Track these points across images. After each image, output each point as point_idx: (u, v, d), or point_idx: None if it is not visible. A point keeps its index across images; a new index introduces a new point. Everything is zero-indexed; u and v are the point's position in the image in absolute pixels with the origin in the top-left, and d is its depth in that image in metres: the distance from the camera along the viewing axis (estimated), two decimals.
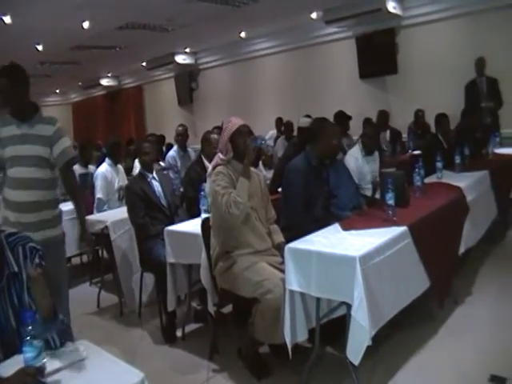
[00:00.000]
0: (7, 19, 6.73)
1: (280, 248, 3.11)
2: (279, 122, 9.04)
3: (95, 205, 5.31)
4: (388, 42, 8.38)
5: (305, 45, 9.66)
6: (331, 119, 3.95)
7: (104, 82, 14.23)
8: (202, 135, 4.87)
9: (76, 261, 6.00)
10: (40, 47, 8.89)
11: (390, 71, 8.50)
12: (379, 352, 3.11)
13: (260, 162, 5.57)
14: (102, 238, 4.51)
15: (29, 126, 3.00)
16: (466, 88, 7.10)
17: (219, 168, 3.16)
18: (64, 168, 3.11)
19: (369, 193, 4.76)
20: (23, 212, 2.98)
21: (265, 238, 3.21)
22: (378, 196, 3.91)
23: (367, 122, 5.97)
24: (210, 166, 3.40)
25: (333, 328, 2.96)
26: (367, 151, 4.91)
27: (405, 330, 3.38)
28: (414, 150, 6.96)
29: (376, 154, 4.95)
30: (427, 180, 4.43)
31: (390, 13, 7.75)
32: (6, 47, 8.19)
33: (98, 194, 5.29)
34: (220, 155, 3.21)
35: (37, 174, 2.98)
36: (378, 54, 8.42)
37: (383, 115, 7.62)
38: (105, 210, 5.23)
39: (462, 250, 3.90)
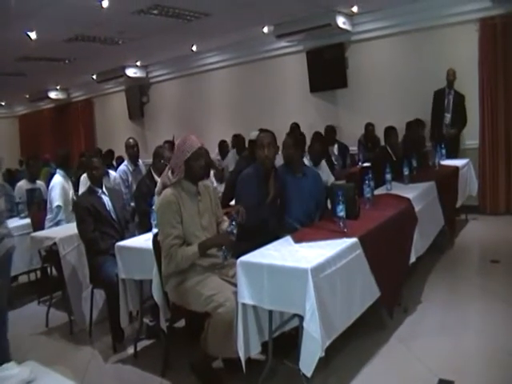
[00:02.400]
0: None
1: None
2: (235, 139, 8.98)
3: (52, 215, 5.20)
4: (338, 56, 8.57)
5: (256, 58, 9.76)
6: (282, 132, 3.99)
7: (52, 94, 13.92)
8: (154, 150, 4.85)
9: (23, 279, 5.82)
10: None
11: (339, 85, 8.67)
12: (332, 363, 3.15)
13: (211, 175, 5.58)
14: (51, 254, 4.42)
15: None
16: (434, 95, 7.31)
17: (168, 193, 3.10)
18: None
19: None
20: None
21: (215, 254, 3.17)
22: (328, 206, 3.97)
23: (316, 137, 6.05)
24: (158, 182, 3.39)
25: (286, 340, 2.98)
26: (314, 163, 4.98)
27: (356, 339, 3.43)
28: (363, 163, 7.12)
29: (323, 163, 5.03)
30: (377, 192, 4.54)
31: (339, 28, 7.94)
32: None
33: (57, 202, 5.19)
34: (169, 174, 3.17)
35: None
36: (328, 68, 8.59)
37: (330, 130, 7.75)
38: (61, 220, 5.14)
39: (412, 259, 4.01)
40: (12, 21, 6.55)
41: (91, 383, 3.36)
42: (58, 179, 5.36)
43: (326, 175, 5.14)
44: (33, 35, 7.33)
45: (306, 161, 4.97)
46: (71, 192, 5.37)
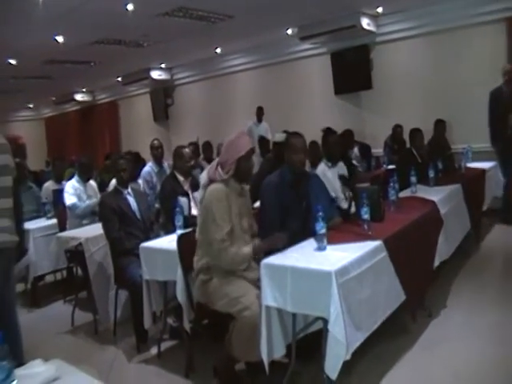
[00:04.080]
0: None
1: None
2: (260, 141, 8.96)
3: (70, 212, 5.28)
4: (362, 58, 8.52)
5: (280, 61, 9.76)
6: (307, 135, 3.96)
7: (78, 97, 14.12)
8: (174, 150, 4.86)
9: (50, 278, 5.91)
10: (13, 61, 8.81)
11: (364, 87, 8.62)
12: (355, 367, 3.12)
13: None
14: (77, 254, 4.47)
15: None
16: (491, 95, 6.64)
17: (219, 188, 3.05)
18: None
19: (342, 204, 4.77)
20: None
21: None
22: (353, 209, 3.94)
23: (327, 131, 5.92)
24: (204, 174, 3.35)
25: (310, 343, 2.97)
26: (332, 162, 4.92)
27: (380, 343, 3.40)
28: (388, 165, 7.05)
29: (341, 163, 4.96)
30: (402, 194, 4.50)
31: (364, 29, 7.89)
32: None
33: (71, 200, 5.27)
34: (220, 170, 3.09)
35: None
36: (353, 70, 8.55)
37: (348, 134, 7.67)
38: (79, 216, 5.24)
39: (436, 263, 3.96)
40: (40, 25, 6.67)
41: (115, 382, 3.40)
42: (71, 182, 5.49)
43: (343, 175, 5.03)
44: (60, 39, 7.47)
45: (323, 162, 4.91)
46: (84, 197, 5.43)
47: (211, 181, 3.11)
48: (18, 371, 1.73)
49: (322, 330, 2.67)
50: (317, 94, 9.37)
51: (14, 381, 1.61)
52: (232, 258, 2.98)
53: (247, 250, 3.02)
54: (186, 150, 4.80)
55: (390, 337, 3.52)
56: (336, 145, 4.83)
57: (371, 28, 8.04)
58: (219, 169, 3.09)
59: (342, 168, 4.85)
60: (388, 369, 3.16)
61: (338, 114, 8.89)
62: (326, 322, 2.56)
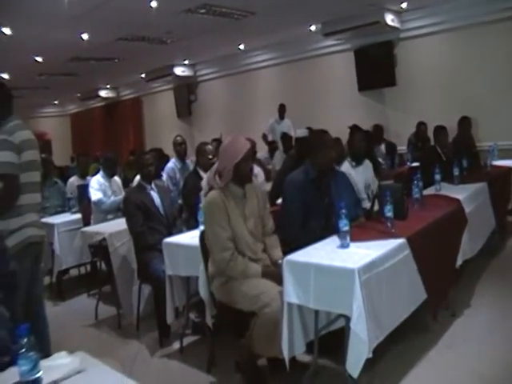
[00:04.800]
0: (7, 31, 6.77)
1: (277, 265, 3.06)
2: (283, 137, 8.96)
3: (94, 207, 5.34)
4: (386, 54, 8.44)
5: (303, 57, 9.72)
6: (329, 131, 3.94)
7: (102, 93, 14.26)
8: (197, 146, 4.88)
9: (74, 272, 5.99)
10: (39, 59, 8.92)
11: (388, 83, 8.54)
12: (377, 365, 3.10)
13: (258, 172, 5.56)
14: (100, 249, 4.52)
15: None
16: None
17: (215, 195, 3.09)
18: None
19: (365, 205, 4.74)
20: None
21: (260, 259, 3.18)
22: (376, 208, 3.91)
23: (354, 128, 5.86)
24: (204, 181, 3.39)
25: (331, 340, 2.96)
26: (357, 161, 4.90)
27: (402, 342, 3.37)
28: (412, 163, 6.98)
29: (366, 162, 4.92)
30: (426, 192, 4.45)
31: (388, 25, 7.81)
32: (6, 59, 8.26)
33: (97, 196, 5.32)
34: (217, 179, 3.11)
35: None
36: (377, 67, 8.47)
37: (378, 129, 7.65)
38: (105, 211, 5.30)
39: (459, 261, 3.91)
40: (65, 23, 6.75)
41: (138, 376, 3.39)
42: (96, 177, 5.54)
43: (368, 175, 4.99)
44: (85, 36, 7.55)
45: (347, 161, 4.87)
46: (109, 193, 5.48)
47: (210, 188, 3.14)
48: (44, 362, 1.75)
49: (344, 327, 2.66)
50: (340, 91, 9.32)
51: (39, 372, 1.63)
52: (240, 274, 3.02)
53: (255, 270, 3.04)
54: (209, 146, 4.82)
55: (412, 335, 3.49)
56: (361, 143, 4.79)
57: (395, 24, 7.96)
58: (217, 178, 3.12)
59: (367, 166, 4.81)
60: (410, 367, 3.13)
61: (362, 111, 8.83)
62: (348, 319, 2.55)
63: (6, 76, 9.69)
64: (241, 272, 3.02)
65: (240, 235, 3.09)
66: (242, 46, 9.83)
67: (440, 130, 5.77)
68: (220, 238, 3.01)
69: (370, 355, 2.49)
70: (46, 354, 2.05)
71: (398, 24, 8.04)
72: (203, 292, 3.31)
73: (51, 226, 5.25)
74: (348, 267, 2.57)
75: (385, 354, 3.20)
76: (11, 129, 3.08)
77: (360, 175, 4.69)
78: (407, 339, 3.43)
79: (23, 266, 3.04)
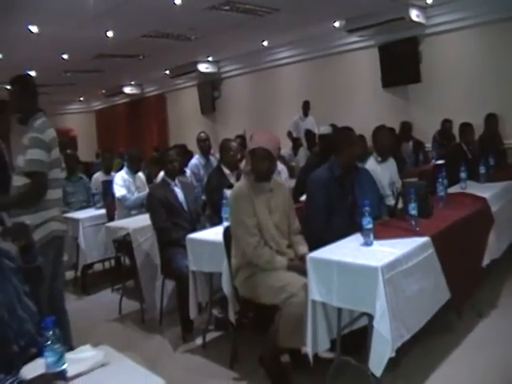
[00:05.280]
0: (34, 29, 6.88)
1: (303, 260, 3.08)
2: (308, 134, 8.93)
3: (118, 203, 5.39)
4: (411, 50, 8.32)
5: (327, 54, 9.65)
6: (353, 128, 3.91)
7: (127, 90, 14.38)
8: (220, 143, 4.89)
9: (98, 267, 6.06)
10: (65, 56, 9.04)
11: (413, 80, 8.43)
12: (401, 364, 3.08)
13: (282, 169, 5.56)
14: (124, 244, 4.56)
15: (24, 136, 3.16)
16: None
17: (241, 184, 3.23)
18: (28, 177, 3.12)
19: (389, 202, 4.69)
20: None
21: (285, 253, 3.21)
22: (400, 205, 3.88)
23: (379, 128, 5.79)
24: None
25: (354, 338, 2.94)
26: (382, 157, 4.84)
27: (426, 342, 3.33)
28: (437, 160, 6.89)
29: (391, 160, 4.87)
30: (451, 190, 4.39)
31: (413, 21, 7.70)
32: (33, 56, 8.38)
33: (121, 192, 5.36)
34: (244, 163, 3.26)
35: (14, 181, 3.15)
36: (401, 63, 8.36)
37: (406, 126, 7.57)
38: (129, 207, 5.34)
39: (486, 261, 3.85)
40: (91, 21, 6.82)
41: (161, 371, 3.40)
42: (120, 173, 5.57)
43: (392, 172, 4.93)
44: (110, 34, 7.63)
45: (373, 157, 4.82)
46: (133, 189, 5.52)
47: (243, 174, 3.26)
48: (69, 355, 1.78)
49: (367, 326, 2.65)
50: (364, 88, 9.23)
51: (64, 364, 1.65)
52: (265, 264, 3.08)
53: (280, 262, 3.09)
54: (233, 143, 4.82)
55: (437, 335, 3.45)
56: (387, 139, 4.75)
57: (420, 20, 7.84)
58: (244, 162, 3.24)
59: (392, 164, 4.76)
60: (434, 367, 3.10)
61: (386, 107, 8.74)
62: (371, 317, 2.54)
63: (33, 73, 9.82)
64: (267, 261, 3.06)
65: (265, 226, 3.14)
66: (265, 43, 9.82)
67: (466, 127, 5.69)
68: (246, 225, 3.08)
69: (393, 354, 2.47)
70: (68, 347, 2.08)
71: (423, 20, 7.92)
72: (226, 288, 3.32)
73: (76, 221, 5.32)
74: (371, 265, 2.56)
75: (408, 353, 3.17)
76: (41, 126, 3.15)
77: (385, 171, 4.63)
78: (432, 339, 3.39)
79: (47, 259, 3.10)
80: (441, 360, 3.18)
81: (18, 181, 3.15)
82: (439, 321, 3.32)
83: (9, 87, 3.20)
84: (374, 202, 3.26)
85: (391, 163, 4.81)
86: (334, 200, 3.48)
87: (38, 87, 3.31)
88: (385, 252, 2.74)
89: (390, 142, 4.88)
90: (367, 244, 2.90)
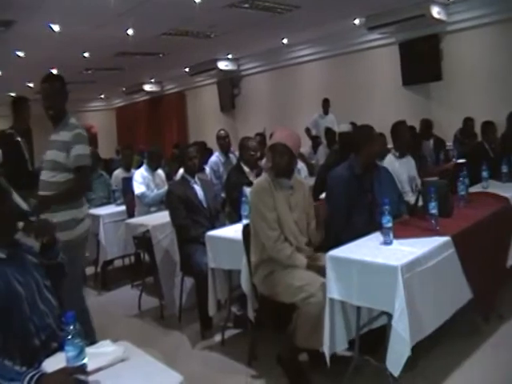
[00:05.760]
0: (56, 27, 6.95)
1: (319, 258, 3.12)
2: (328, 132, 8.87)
3: (138, 200, 5.42)
4: (432, 48, 8.25)
5: (347, 51, 9.61)
6: (373, 126, 3.89)
7: (147, 87, 14.47)
8: (240, 141, 4.89)
9: (118, 263, 6.11)
10: (86, 54, 9.15)
11: (433, 78, 8.35)
12: (419, 364, 3.05)
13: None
14: (144, 241, 4.59)
15: (56, 133, 3.22)
16: None
17: (262, 179, 3.26)
18: (74, 171, 3.19)
19: (409, 198, 4.65)
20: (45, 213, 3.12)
21: (304, 249, 3.22)
22: (420, 204, 3.84)
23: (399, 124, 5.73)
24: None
25: (373, 338, 2.93)
26: (400, 154, 4.75)
27: (446, 342, 3.31)
28: (458, 159, 6.81)
29: (409, 157, 4.82)
30: (472, 190, 4.34)
31: (434, 18, 7.62)
32: (55, 54, 8.47)
33: (140, 189, 5.39)
34: (264, 160, 3.29)
35: (46, 177, 3.17)
36: (422, 61, 8.29)
37: (426, 124, 7.49)
38: (148, 204, 5.36)
39: (510, 262, 3.79)
40: (111, 20, 6.89)
41: (179, 367, 3.43)
42: (140, 170, 5.60)
43: (411, 168, 4.88)
44: (130, 32, 7.68)
45: (391, 153, 4.78)
46: (152, 186, 5.55)
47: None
48: (89, 349, 1.81)
49: (386, 325, 2.63)
50: (384, 86, 9.16)
51: (85, 358, 1.68)
52: (279, 258, 3.09)
53: (300, 261, 3.09)
54: (252, 141, 4.83)
55: (457, 336, 3.41)
56: (405, 135, 4.71)
57: (441, 17, 7.75)
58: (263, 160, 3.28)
59: (410, 161, 4.72)
60: (454, 368, 3.07)
61: (406, 105, 8.66)
62: (390, 317, 2.53)
63: (54, 71, 9.94)
64: (287, 257, 3.07)
65: (285, 221, 3.15)
66: (285, 41, 9.80)
67: (488, 126, 5.61)
68: (267, 219, 3.09)
69: (410, 353, 2.45)
70: (91, 341, 2.11)
71: (445, 17, 7.83)
72: (245, 286, 3.33)
73: (97, 217, 5.37)
74: (391, 264, 2.55)
75: (428, 354, 3.15)
76: (78, 124, 3.25)
77: (403, 167, 4.60)
78: (452, 340, 3.36)
79: (84, 253, 3.18)
80: (461, 361, 3.15)
81: (46, 175, 3.19)
82: (461, 322, 3.30)
83: (44, 84, 3.23)
84: (393, 200, 3.24)
85: (409, 160, 4.78)
86: (353, 198, 3.47)
87: None
88: (404, 251, 2.73)
89: (409, 137, 4.83)
90: (387, 243, 2.88)
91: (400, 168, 4.53)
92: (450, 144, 7.69)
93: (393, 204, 2.97)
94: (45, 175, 3.20)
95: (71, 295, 3.14)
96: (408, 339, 2.43)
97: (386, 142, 5.27)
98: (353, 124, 6.33)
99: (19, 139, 4.76)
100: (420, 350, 2.56)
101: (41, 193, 3.20)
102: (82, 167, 3.18)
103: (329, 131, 8.22)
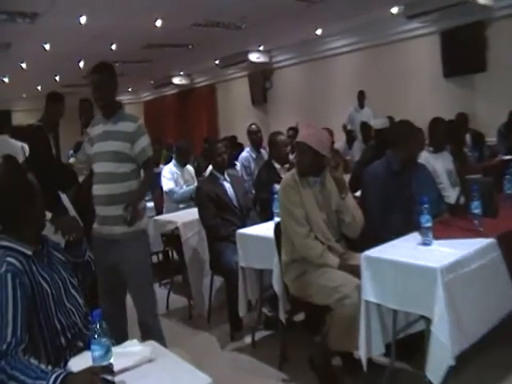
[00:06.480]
0: (83, 19, 7.05)
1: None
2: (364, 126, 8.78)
3: (166, 196, 5.47)
4: (476, 36, 8.04)
5: (384, 42, 9.47)
6: (413, 120, 3.83)
7: (176, 80, 14.55)
8: (269, 137, 4.88)
9: None
10: (114, 46, 9.22)
11: (478, 69, 8.15)
12: (462, 374, 2.99)
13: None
14: (173, 238, 4.63)
15: (112, 124, 3.21)
16: None
17: (289, 175, 3.29)
18: (143, 165, 3.25)
19: (448, 193, 4.56)
20: (100, 205, 3.18)
21: (334, 248, 3.20)
22: (462, 202, 3.78)
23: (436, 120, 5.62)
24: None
25: (411, 343, 2.90)
26: (435, 148, 4.68)
27: (490, 353, 3.21)
28: (504, 155, 6.65)
29: (445, 152, 4.74)
30: None
31: (479, 4, 7.41)
32: (82, 47, 8.61)
33: (169, 185, 5.43)
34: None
35: (112, 168, 3.13)
36: (465, 51, 8.09)
37: (462, 118, 7.32)
38: (176, 201, 5.40)
39: None
40: (139, 11, 6.94)
41: (208, 369, 3.45)
42: (168, 166, 5.63)
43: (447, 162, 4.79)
44: (158, 23, 7.72)
45: (425, 152, 4.70)
46: (182, 182, 5.57)
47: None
48: (116, 349, 1.83)
49: (424, 330, 2.60)
50: (423, 78, 9.00)
51: (111, 358, 1.70)
52: (310, 255, 3.09)
53: (332, 260, 3.08)
54: (281, 136, 4.82)
55: (504, 346, 3.31)
56: (443, 133, 4.64)
57: (487, 2, 7.53)
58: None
59: (446, 155, 4.65)
60: (500, 379, 3.01)
61: (447, 98, 8.48)
62: (429, 321, 2.50)
63: (81, 64, 10.09)
64: (318, 255, 3.06)
65: (313, 217, 3.15)
66: (319, 31, 9.73)
67: None
68: (294, 214, 3.11)
69: (453, 363, 2.40)
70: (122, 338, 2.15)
71: (491, 2, 7.60)
72: (277, 286, 3.32)
73: None
74: (430, 266, 2.51)
75: (473, 362, 3.07)
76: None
77: (439, 161, 4.52)
78: (500, 349, 3.27)
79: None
80: (507, 373, 3.07)
81: (110, 166, 3.14)
82: (508, 330, 3.22)
83: (93, 75, 3.28)
84: (432, 199, 3.18)
85: (445, 154, 4.70)
86: (390, 196, 3.44)
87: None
88: (444, 252, 2.68)
89: (446, 134, 4.75)
90: (425, 243, 2.84)
91: (436, 163, 4.45)
92: (493, 139, 7.51)
93: (432, 203, 2.92)
94: (108, 167, 3.14)
95: (143, 289, 3.25)
96: (449, 346, 2.38)
97: (425, 138, 5.19)
98: (390, 118, 6.25)
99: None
100: (462, 358, 2.51)
101: (101, 186, 3.17)
102: (150, 158, 3.26)
103: (364, 125, 8.14)
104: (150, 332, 3.17)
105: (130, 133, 3.15)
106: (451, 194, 4.21)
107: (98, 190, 3.18)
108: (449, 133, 4.88)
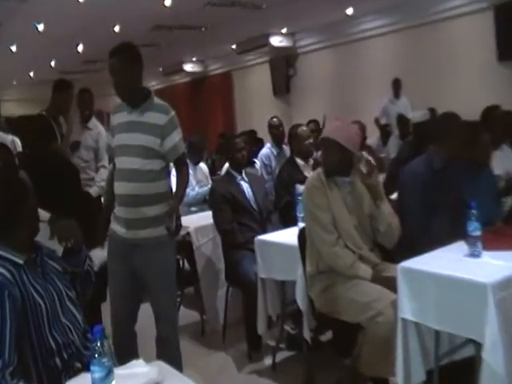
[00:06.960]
0: None
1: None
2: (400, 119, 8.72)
3: None
4: None
5: (423, 22, 9.35)
6: (460, 113, 3.78)
7: (188, 67, 14.58)
8: (288, 131, 4.86)
9: None
10: (117, 28, 9.19)
11: None
12: None
13: None
14: (184, 245, 4.61)
15: (139, 113, 3.12)
16: None
17: (314, 175, 3.29)
18: (176, 162, 3.26)
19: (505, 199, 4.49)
20: (122, 206, 3.14)
21: (367, 257, 3.17)
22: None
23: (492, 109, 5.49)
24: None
25: (457, 371, 2.85)
26: (494, 144, 4.62)
27: None
28: None
29: (505, 148, 4.67)
30: None
31: None
32: (81, 29, 8.61)
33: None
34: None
35: (139, 165, 3.07)
36: None
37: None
38: (189, 203, 5.39)
39: None
40: None
41: None
42: None
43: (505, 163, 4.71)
44: (167, 2, 7.68)
45: None
46: (194, 183, 5.56)
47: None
48: (119, 370, 1.82)
49: (474, 356, 2.55)
50: (472, 62, 8.81)
51: (112, 381, 1.68)
52: (346, 269, 3.05)
53: (364, 271, 3.05)
54: (302, 128, 4.80)
55: None
56: (501, 124, 4.58)
57: None
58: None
59: (506, 153, 4.58)
60: None
61: (502, 85, 8.24)
62: (478, 346, 2.45)
63: (80, 48, 10.11)
64: (348, 266, 3.03)
65: (341, 223, 3.12)
66: (349, 11, 9.66)
67: None
68: (320, 219, 3.10)
69: None
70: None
71: None
72: (301, 300, 3.31)
73: None
74: (479, 281, 2.46)
75: None
76: (165, 103, 3.29)
77: (497, 160, 4.45)
78: None
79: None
80: None
81: (136, 163, 3.07)
82: None
83: (111, 59, 3.16)
84: (487, 205, 3.13)
85: (505, 152, 4.63)
86: (432, 200, 3.39)
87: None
88: (497, 266, 2.64)
89: (502, 124, 4.68)
90: (473, 255, 2.79)
91: (493, 162, 4.39)
92: None
93: (483, 208, 2.86)
94: (133, 163, 3.07)
95: (167, 299, 3.30)
96: (504, 375, 2.33)
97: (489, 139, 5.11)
98: (431, 110, 6.17)
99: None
100: None
101: (124, 184, 3.12)
102: (183, 155, 3.27)
103: (401, 119, 8.06)
104: (167, 348, 3.19)
105: (160, 126, 3.10)
106: (508, 200, 4.15)
107: (120, 188, 3.14)
108: (509, 126, 4.80)
